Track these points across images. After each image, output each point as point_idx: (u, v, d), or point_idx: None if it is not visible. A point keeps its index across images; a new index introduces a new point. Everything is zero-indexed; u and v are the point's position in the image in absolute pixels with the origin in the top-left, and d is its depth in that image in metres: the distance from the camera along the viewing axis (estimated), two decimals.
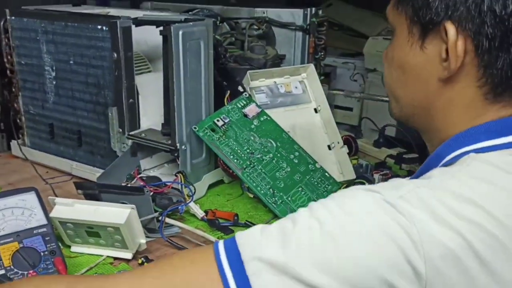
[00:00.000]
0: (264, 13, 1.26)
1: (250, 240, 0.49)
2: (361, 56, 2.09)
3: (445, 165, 0.54)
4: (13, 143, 1.21)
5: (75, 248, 0.84)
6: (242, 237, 0.50)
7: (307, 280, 0.45)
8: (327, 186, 1.00)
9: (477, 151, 0.52)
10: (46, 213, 0.79)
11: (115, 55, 0.96)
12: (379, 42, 1.97)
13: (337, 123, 1.14)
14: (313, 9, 1.27)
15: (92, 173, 1.06)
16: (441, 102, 0.57)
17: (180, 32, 0.92)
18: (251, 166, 0.96)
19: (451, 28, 0.53)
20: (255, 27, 1.25)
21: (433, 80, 0.56)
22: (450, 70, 0.54)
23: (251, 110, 1.04)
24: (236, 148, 0.97)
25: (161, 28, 0.94)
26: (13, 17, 1.11)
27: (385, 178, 1.03)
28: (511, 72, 0.53)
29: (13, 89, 1.18)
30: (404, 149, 1.27)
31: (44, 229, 0.77)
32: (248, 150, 0.98)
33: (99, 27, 0.98)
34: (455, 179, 0.50)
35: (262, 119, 1.03)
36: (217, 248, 0.50)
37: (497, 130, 0.54)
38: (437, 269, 0.45)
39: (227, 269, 0.47)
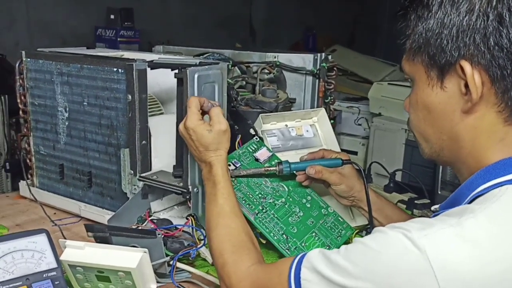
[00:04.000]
0: (275, 57, 1.28)
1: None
2: (365, 101, 2.11)
3: (478, 195, 0.59)
4: (22, 184, 1.20)
5: None
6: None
7: None
8: (341, 231, 0.98)
9: (510, 182, 0.57)
10: (56, 256, 0.78)
11: (130, 97, 0.97)
12: (384, 87, 1.99)
13: None
14: (323, 54, 1.29)
15: (101, 215, 1.04)
16: (467, 131, 0.62)
17: (196, 75, 0.93)
18: (263, 211, 0.95)
19: (466, 65, 0.59)
20: (266, 71, 1.26)
21: (457, 113, 0.62)
22: (472, 101, 0.59)
23: (262, 154, 1.03)
24: (248, 193, 0.96)
25: (176, 71, 0.95)
26: (28, 59, 1.13)
27: None
28: None
29: (24, 130, 1.18)
30: (415, 194, 1.27)
31: (54, 273, 0.76)
32: (260, 195, 0.97)
33: (115, 69, 0.99)
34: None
35: (273, 163, 1.02)
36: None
37: None
38: None
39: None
